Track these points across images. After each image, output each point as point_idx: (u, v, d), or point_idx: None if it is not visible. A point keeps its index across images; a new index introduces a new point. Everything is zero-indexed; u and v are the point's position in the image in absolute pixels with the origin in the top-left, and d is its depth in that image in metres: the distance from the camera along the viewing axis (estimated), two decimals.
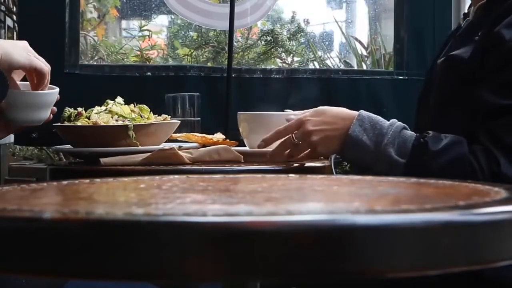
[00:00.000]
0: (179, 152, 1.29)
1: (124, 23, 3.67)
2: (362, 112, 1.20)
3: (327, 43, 3.26)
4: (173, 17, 3.23)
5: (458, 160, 1.08)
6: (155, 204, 0.58)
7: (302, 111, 1.28)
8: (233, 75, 2.30)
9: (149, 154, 1.29)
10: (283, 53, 2.92)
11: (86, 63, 2.86)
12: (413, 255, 0.45)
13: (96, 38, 3.15)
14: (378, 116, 1.19)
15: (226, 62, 2.21)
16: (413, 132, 1.17)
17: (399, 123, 1.18)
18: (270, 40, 2.86)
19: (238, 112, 1.49)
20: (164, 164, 1.28)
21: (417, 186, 0.76)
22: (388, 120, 1.19)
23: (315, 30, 3.21)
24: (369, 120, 1.17)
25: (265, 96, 2.19)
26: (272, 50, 2.87)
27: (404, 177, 0.79)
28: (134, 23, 3.36)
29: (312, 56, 2.96)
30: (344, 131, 1.17)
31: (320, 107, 1.24)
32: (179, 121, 1.49)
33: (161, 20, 3.52)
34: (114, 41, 3.37)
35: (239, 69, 2.42)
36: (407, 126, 1.18)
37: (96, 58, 3.05)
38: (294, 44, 2.87)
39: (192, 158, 1.32)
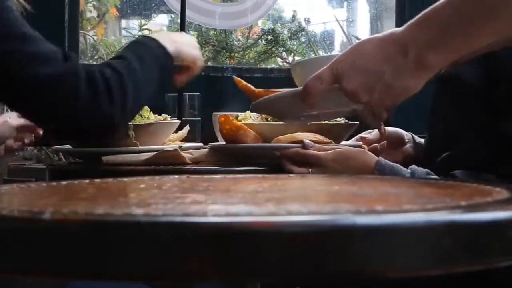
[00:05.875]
0: (181, 152, 1.30)
1: (123, 22, 3.67)
2: (381, 160, 1.18)
3: (328, 42, 3.26)
4: (173, 16, 3.23)
5: None
6: (155, 204, 0.58)
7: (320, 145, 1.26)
8: (233, 75, 2.30)
9: (152, 154, 1.30)
10: (284, 52, 2.93)
11: (86, 62, 2.86)
12: (414, 255, 0.45)
13: (95, 38, 3.15)
14: (397, 164, 1.18)
15: (227, 61, 2.20)
16: (436, 176, 1.13)
17: (421, 169, 1.15)
18: (271, 39, 2.86)
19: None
20: (164, 164, 1.28)
21: (418, 186, 0.76)
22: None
23: (316, 29, 3.21)
24: (390, 169, 1.16)
25: None
26: (273, 49, 2.87)
27: (405, 177, 0.79)
28: (134, 22, 3.37)
29: (313, 55, 2.96)
30: None
31: (340, 151, 1.22)
32: (179, 121, 1.49)
33: (161, 19, 3.53)
34: (114, 40, 3.37)
35: (239, 68, 2.42)
36: (430, 171, 1.15)
37: (95, 57, 3.05)
38: (295, 43, 2.87)
39: (192, 158, 1.32)
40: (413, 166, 1.17)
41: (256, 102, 1.02)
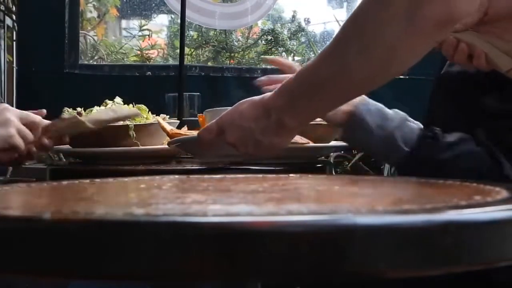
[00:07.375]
0: (81, 118, 1.24)
1: (124, 23, 3.68)
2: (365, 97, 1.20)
3: (328, 42, 3.26)
4: (173, 16, 3.23)
5: (468, 154, 1.09)
6: (155, 204, 0.58)
7: None
8: (233, 75, 2.30)
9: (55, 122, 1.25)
10: (284, 53, 2.93)
11: (86, 62, 2.86)
12: (414, 255, 0.45)
13: (96, 38, 3.15)
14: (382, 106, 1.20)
15: (227, 61, 2.21)
16: (418, 123, 1.16)
17: (403, 112, 1.18)
18: (271, 39, 2.86)
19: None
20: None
21: (418, 186, 0.76)
22: None
23: (315, 29, 3.21)
24: (374, 103, 1.17)
25: None
26: (273, 49, 2.87)
27: (405, 177, 0.79)
28: (134, 23, 3.37)
29: (313, 55, 2.96)
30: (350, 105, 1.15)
31: None
32: (178, 121, 1.49)
33: (161, 20, 3.53)
34: (114, 40, 3.37)
35: (239, 68, 2.42)
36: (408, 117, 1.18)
37: (96, 57, 3.05)
38: (295, 44, 2.88)
39: (92, 121, 1.26)
40: (395, 109, 1.19)
41: (172, 140, 1.24)
